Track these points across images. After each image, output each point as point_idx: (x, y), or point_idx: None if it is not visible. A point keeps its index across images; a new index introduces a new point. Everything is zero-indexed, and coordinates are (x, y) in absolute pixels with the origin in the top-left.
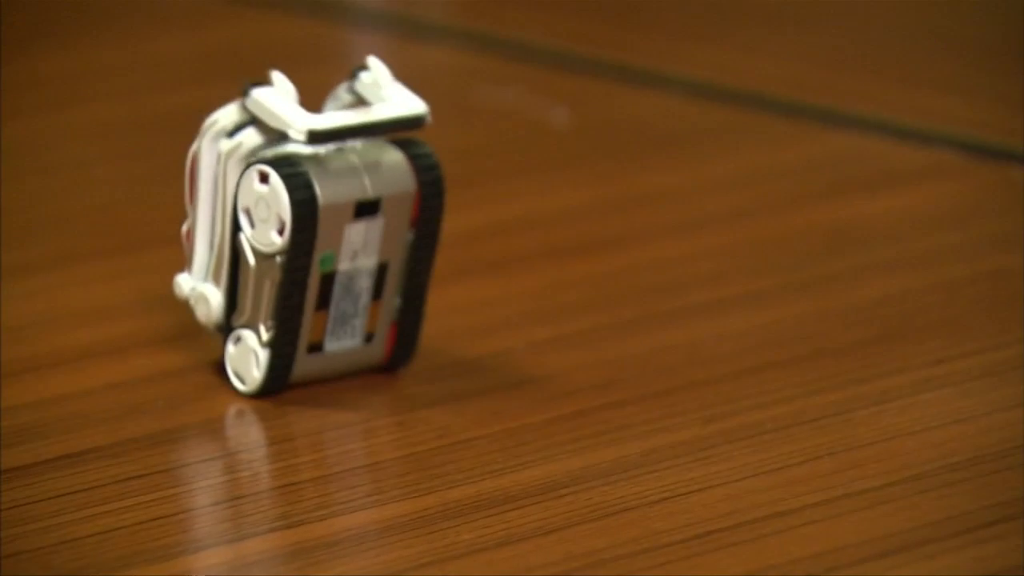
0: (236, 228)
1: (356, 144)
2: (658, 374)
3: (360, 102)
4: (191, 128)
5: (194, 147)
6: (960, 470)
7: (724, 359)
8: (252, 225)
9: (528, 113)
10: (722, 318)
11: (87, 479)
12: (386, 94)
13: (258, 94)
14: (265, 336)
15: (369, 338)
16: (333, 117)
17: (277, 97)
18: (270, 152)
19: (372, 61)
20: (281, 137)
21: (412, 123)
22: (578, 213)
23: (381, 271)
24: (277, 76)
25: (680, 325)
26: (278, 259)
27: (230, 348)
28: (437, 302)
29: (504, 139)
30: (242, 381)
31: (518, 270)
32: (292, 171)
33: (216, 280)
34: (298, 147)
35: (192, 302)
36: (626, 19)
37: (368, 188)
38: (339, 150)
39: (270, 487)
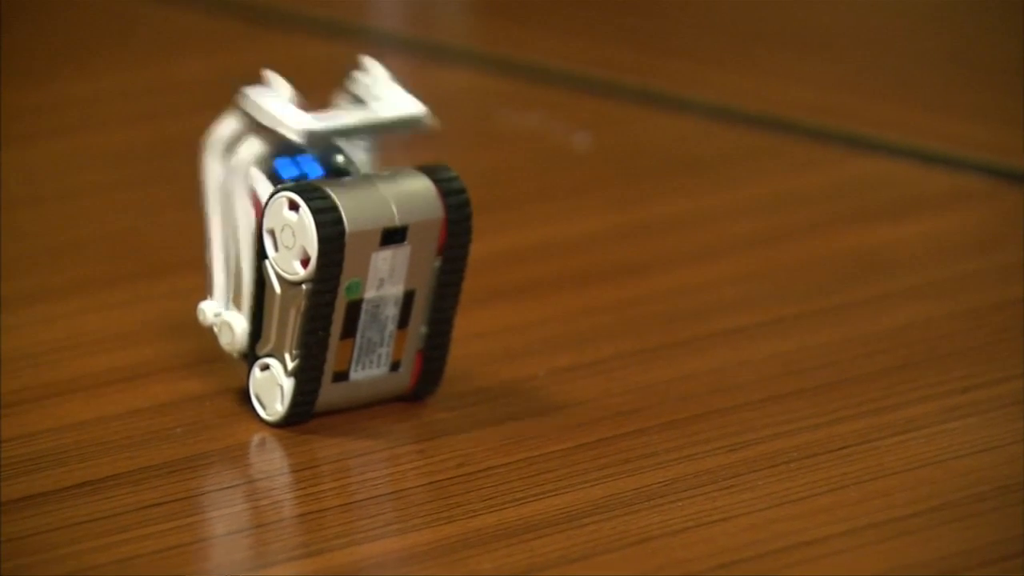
0: (262, 254)
1: (383, 171)
2: (681, 402)
3: (357, 103)
4: None
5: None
6: (987, 500)
7: (747, 387)
8: (275, 248)
9: (550, 137)
10: (745, 345)
11: (106, 507)
12: (383, 94)
13: (253, 94)
14: (290, 365)
15: (395, 367)
16: (330, 117)
17: (272, 98)
18: (302, 180)
19: (368, 61)
20: (279, 141)
21: (412, 123)
22: (600, 238)
23: (408, 299)
24: (271, 75)
25: (703, 352)
26: (304, 287)
27: (256, 375)
28: (459, 328)
29: (526, 164)
30: (266, 410)
31: (540, 296)
32: (323, 203)
33: (239, 306)
34: (315, 169)
35: (216, 330)
36: (649, 43)
37: (395, 215)
38: (365, 177)
39: (291, 515)
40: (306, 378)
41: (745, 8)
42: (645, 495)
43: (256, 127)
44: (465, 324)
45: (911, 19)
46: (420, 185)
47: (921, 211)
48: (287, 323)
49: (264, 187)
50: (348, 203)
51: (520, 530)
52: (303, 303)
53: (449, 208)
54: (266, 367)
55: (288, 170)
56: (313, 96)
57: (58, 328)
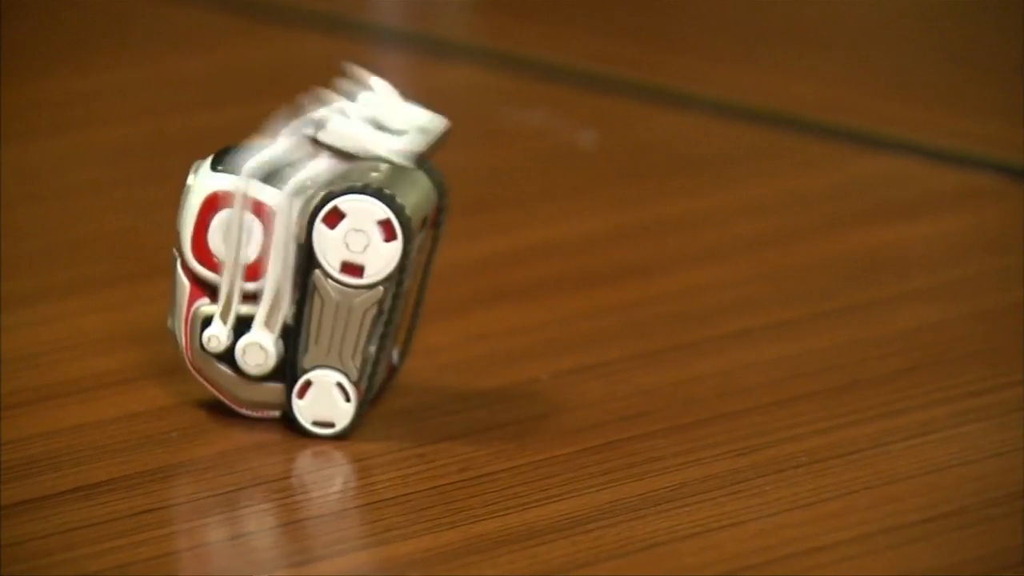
0: (309, 266)
1: (382, 165)
2: (688, 405)
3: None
4: (207, 150)
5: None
6: (1000, 505)
7: (756, 390)
8: (329, 266)
9: (554, 135)
10: (754, 347)
11: (100, 512)
12: (406, 110)
13: (334, 126)
14: (355, 371)
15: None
16: (410, 140)
17: (350, 124)
18: (334, 186)
19: (376, 81)
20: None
21: (445, 137)
22: (605, 238)
23: (408, 292)
24: (376, 82)
25: (710, 355)
26: (379, 288)
27: (299, 392)
28: (459, 330)
29: (529, 162)
30: (323, 425)
31: (543, 297)
32: (388, 200)
33: (270, 327)
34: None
35: (240, 354)
36: (655, 39)
37: (434, 202)
38: (397, 167)
39: (288, 521)
40: (373, 380)
41: (750, 3)
42: (651, 500)
43: (331, 151)
44: (467, 326)
45: (918, 14)
46: (420, 178)
47: (933, 210)
48: (348, 332)
49: (270, 195)
50: (400, 197)
51: (524, 536)
52: (385, 302)
53: (439, 201)
54: (309, 383)
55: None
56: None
57: (55, 329)
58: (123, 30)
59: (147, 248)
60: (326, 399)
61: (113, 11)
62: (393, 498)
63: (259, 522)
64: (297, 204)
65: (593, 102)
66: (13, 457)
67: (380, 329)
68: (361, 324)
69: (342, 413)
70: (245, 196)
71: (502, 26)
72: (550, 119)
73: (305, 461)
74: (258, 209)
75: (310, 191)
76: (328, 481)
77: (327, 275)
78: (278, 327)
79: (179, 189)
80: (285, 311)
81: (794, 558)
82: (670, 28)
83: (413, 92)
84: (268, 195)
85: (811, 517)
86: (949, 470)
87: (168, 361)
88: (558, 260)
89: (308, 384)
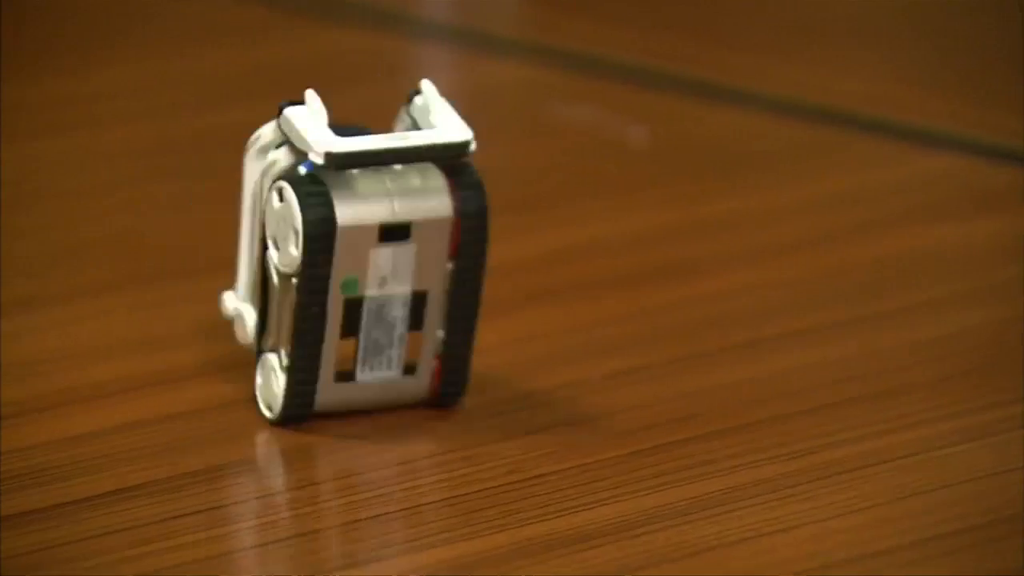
0: (264, 248)
1: (396, 167)
2: (738, 408)
3: (415, 126)
4: (242, 147)
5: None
6: None
7: (807, 393)
8: (276, 247)
9: (601, 132)
10: (805, 349)
11: (137, 516)
12: (434, 119)
13: (289, 113)
14: (285, 361)
15: (410, 370)
16: (358, 141)
17: (306, 118)
18: (296, 171)
19: (425, 84)
20: (305, 158)
21: (450, 151)
22: (654, 237)
23: (418, 301)
24: (310, 95)
25: (761, 357)
26: (293, 281)
27: (258, 371)
28: (505, 331)
29: (576, 159)
30: (268, 408)
31: (591, 297)
32: (310, 189)
33: (253, 300)
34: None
35: (233, 322)
36: (706, 34)
37: (395, 211)
38: (375, 171)
39: (331, 525)
40: (299, 374)
41: None
42: (701, 504)
43: (289, 141)
44: (513, 327)
45: (979, 10)
46: (432, 181)
47: (988, 209)
48: (284, 318)
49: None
50: (343, 195)
51: (572, 540)
52: (293, 297)
53: (461, 209)
54: (264, 363)
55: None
56: (357, 90)
57: (86, 330)
58: (155, 23)
59: (177, 248)
60: (271, 383)
61: (139, 3)
62: (440, 501)
63: (300, 526)
64: (258, 168)
65: (642, 98)
66: (48, 460)
67: (302, 327)
68: (288, 315)
69: (276, 399)
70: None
71: (550, 20)
72: (598, 115)
73: (348, 463)
74: None
75: (282, 163)
76: (372, 484)
77: (271, 258)
78: (257, 303)
79: (210, 187)
80: (246, 279)
81: (848, 563)
82: (721, 22)
83: (459, 89)
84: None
85: (864, 522)
86: (1005, 475)
87: (204, 362)
88: (607, 259)
89: (264, 363)
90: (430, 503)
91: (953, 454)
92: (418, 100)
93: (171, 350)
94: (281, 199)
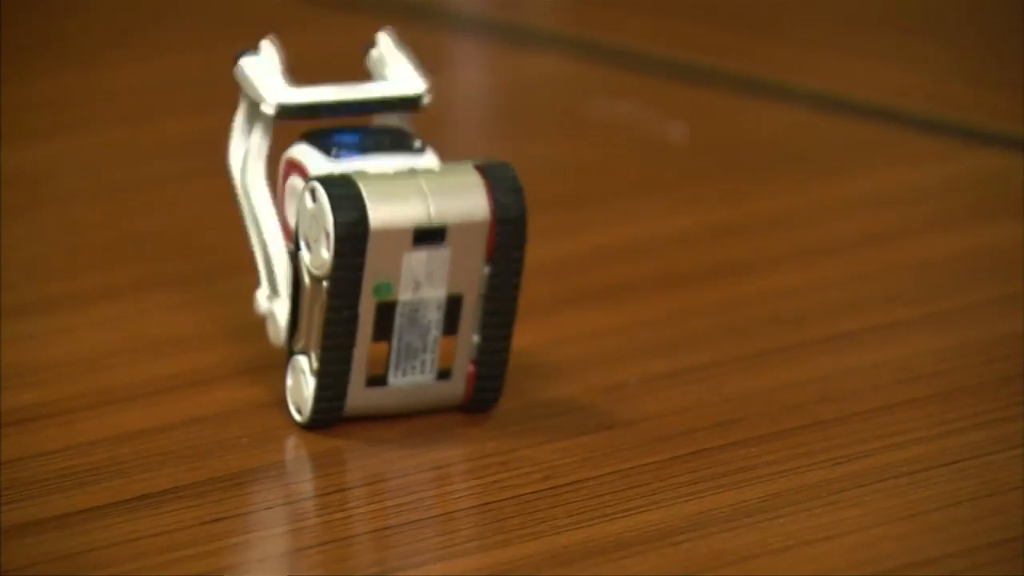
0: (297, 248)
1: (433, 167)
2: (783, 412)
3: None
4: (277, 143)
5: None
6: None
7: (855, 396)
8: (308, 248)
9: (643, 128)
10: (853, 352)
11: (167, 521)
12: (389, 72)
13: (243, 63)
14: (315, 364)
15: (444, 375)
16: (310, 92)
17: (259, 67)
18: (329, 170)
19: (381, 36)
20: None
21: (401, 103)
22: (697, 236)
23: (453, 304)
24: (265, 44)
25: (807, 359)
26: (325, 283)
27: (288, 374)
28: (544, 333)
29: (617, 156)
30: (298, 411)
31: (632, 298)
32: (343, 191)
33: (271, 282)
34: (355, 165)
35: (266, 320)
36: (750, 27)
37: (431, 214)
38: (411, 171)
39: (363, 531)
40: (329, 378)
41: None
42: (744, 511)
43: (246, 97)
44: (552, 328)
45: None
46: (468, 183)
47: None
48: (314, 320)
49: (314, 162)
50: (376, 197)
51: (610, 548)
52: (324, 300)
53: (498, 211)
54: (295, 365)
55: (344, 140)
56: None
57: (116, 330)
58: (188, 17)
59: (212, 246)
60: (301, 385)
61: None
62: (472, 507)
63: (330, 532)
64: (313, 162)
65: (685, 93)
66: (77, 463)
67: (333, 331)
68: (319, 318)
69: (306, 403)
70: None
71: (589, 14)
72: (640, 111)
73: (381, 468)
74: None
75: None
76: (404, 489)
77: (302, 259)
78: (287, 303)
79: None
80: (286, 285)
81: (895, 572)
82: (768, 14)
83: (498, 84)
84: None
85: (913, 530)
86: None
87: (236, 364)
88: (648, 259)
89: (291, 367)
90: (463, 509)
91: (1002, 460)
92: (374, 52)
93: (198, 351)
94: (314, 199)
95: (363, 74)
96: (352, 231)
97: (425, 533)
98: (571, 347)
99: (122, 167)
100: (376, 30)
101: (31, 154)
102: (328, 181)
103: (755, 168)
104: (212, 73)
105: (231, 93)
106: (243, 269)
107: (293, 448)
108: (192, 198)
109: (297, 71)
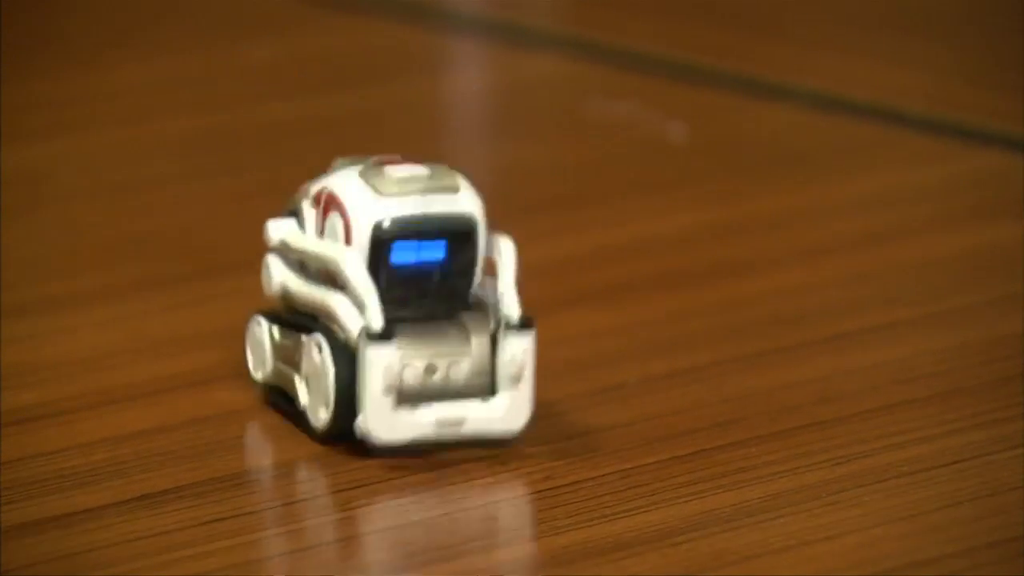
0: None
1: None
2: (784, 412)
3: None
4: (277, 143)
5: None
6: None
7: (855, 396)
8: (308, 386)
9: (643, 128)
10: (853, 352)
11: (167, 521)
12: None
13: (347, 260)
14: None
15: None
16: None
17: (363, 274)
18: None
19: (503, 243)
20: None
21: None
22: (696, 237)
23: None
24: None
25: (807, 359)
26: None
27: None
28: (542, 332)
29: (617, 156)
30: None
31: (631, 298)
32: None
33: None
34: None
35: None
36: (750, 27)
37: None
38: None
39: (362, 532)
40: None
41: None
42: (744, 511)
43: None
44: (550, 328)
45: None
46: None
47: None
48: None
49: (354, 198)
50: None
51: (610, 548)
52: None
53: None
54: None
55: (403, 255)
56: (392, 85)
57: (116, 330)
58: (189, 18)
59: (212, 245)
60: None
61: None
62: (470, 508)
63: (333, 532)
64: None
65: (685, 93)
66: (77, 463)
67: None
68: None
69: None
70: None
71: (589, 14)
72: (639, 111)
73: (381, 470)
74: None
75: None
76: (405, 491)
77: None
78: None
79: (249, 184)
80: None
81: (895, 573)
82: (767, 15)
83: (498, 84)
84: None
85: (913, 530)
86: None
87: (236, 364)
88: (646, 259)
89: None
90: (459, 511)
91: (1002, 460)
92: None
93: (199, 351)
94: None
95: (364, 78)
96: (350, 392)
97: (424, 535)
98: (569, 347)
99: (122, 167)
100: (376, 30)
101: (31, 154)
102: (335, 341)
103: (755, 168)
104: (212, 73)
105: (231, 93)
106: (243, 269)
107: (292, 449)
108: (192, 198)
109: (297, 71)
